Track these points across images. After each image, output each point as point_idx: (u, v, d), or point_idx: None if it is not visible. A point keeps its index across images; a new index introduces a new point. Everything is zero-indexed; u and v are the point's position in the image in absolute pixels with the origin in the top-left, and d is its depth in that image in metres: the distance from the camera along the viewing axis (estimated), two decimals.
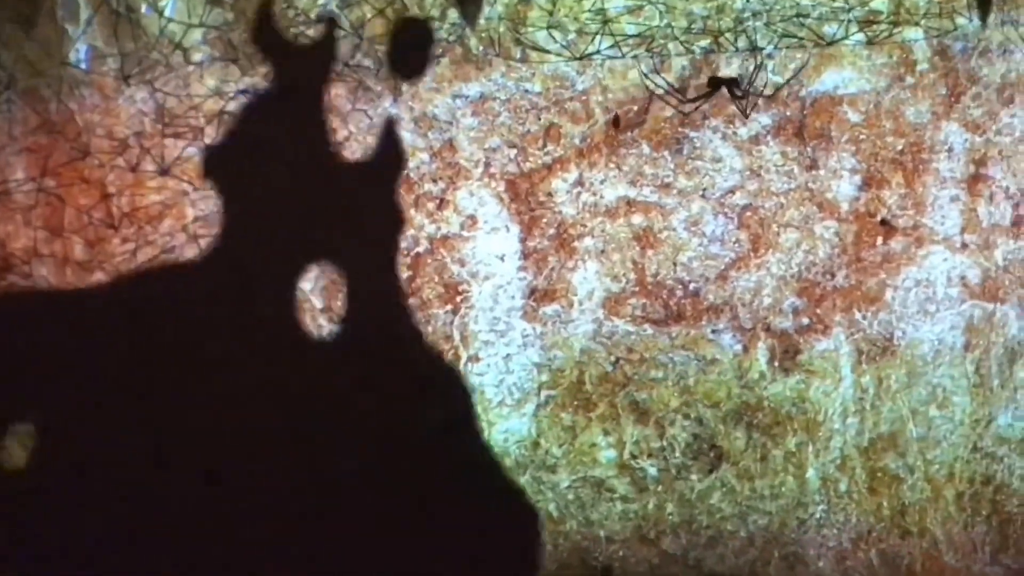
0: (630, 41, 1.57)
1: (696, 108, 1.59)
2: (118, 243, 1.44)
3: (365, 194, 1.51)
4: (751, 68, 1.59)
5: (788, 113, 1.63)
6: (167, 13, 1.41)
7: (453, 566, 1.59)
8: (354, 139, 1.50)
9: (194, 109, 1.44)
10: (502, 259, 1.57)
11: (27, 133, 1.41)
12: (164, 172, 1.44)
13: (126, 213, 1.43)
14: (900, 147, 1.68)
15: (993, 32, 1.68)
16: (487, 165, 1.55)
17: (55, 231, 1.42)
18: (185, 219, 1.46)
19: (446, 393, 1.58)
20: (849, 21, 1.63)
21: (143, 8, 1.41)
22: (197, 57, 1.44)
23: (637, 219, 1.61)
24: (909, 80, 1.67)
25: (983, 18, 1.68)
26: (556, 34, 1.54)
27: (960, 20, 1.67)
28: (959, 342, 1.74)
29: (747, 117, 1.60)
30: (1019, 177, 1.72)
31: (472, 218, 1.55)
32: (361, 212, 1.51)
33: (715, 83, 1.59)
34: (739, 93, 1.59)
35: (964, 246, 1.71)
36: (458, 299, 1.57)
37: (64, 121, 1.41)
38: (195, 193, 1.45)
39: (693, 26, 1.59)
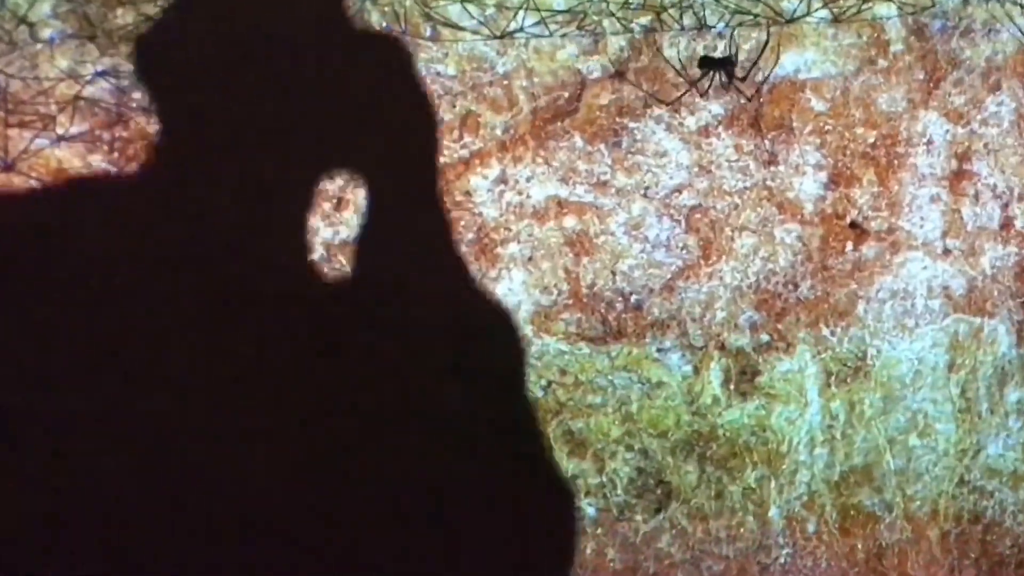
0: (559, 18, 1.36)
1: (704, 94, 1.39)
2: None
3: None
4: (731, 48, 1.39)
5: (742, 101, 1.43)
6: None
7: (480, 543, 1.42)
8: None
9: (43, 95, 1.24)
10: None
11: None
12: (8, 168, 1.24)
13: None
14: (872, 139, 1.47)
15: (976, 9, 1.48)
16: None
17: None
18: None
19: (496, 346, 1.40)
20: None
21: None
22: (46, 33, 1.23)
23: (570, 222, 1.40)
24: (882, 63, 1.47)
25: None
26: (472, 8, 1.34)
27: None
28: (942, 361, 1.53)
29: (751, 102, 1.42)
30: (1008, 173, 1.51)
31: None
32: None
33: (707, 63, 1.39)
34: (732, 75, 1.39)
35: (946, 252, 1.51)
36: None
37: None
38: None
39: (631, 1, 1.38)
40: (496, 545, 1.42)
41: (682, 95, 1.40)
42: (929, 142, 1.49)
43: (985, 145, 1.51)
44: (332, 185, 1.33)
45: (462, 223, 1.37)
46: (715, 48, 1.41)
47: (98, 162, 1.26)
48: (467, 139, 1.36)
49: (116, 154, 1.27)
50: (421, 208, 1.37)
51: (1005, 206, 1.52)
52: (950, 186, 1.50)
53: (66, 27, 1.24)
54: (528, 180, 1.38)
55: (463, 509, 1.41)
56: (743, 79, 1.41)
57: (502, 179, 1.38)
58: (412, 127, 1.35)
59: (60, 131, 1.25)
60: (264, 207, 1.32)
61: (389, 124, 1.35)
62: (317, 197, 1.33)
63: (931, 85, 1.49)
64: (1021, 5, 1.49)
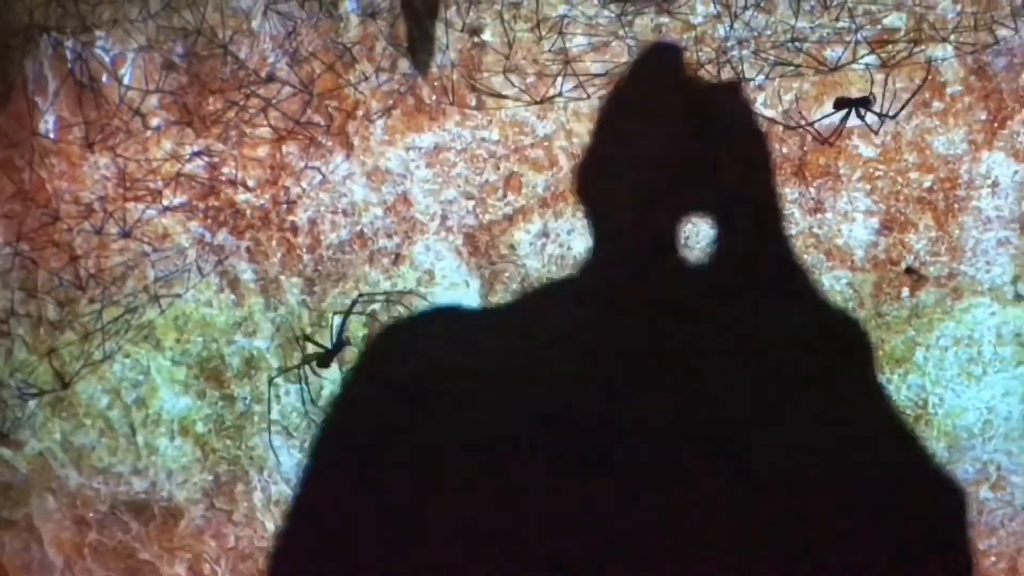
0: (596, 81, 1.45)
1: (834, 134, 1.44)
2: (85, 303, 1.50)
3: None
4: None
5: (784, 150, 1.44)
6: (126, 81, 1.46)
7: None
8: (307, 196, 1.47)
9: (152, 173, 1.47)
10: None
11: (3, 201, 1.50)
12: (126, 235, 1.48)
13: (92, 274, 1.49)
14: (928, 184, 1.44)
15: None
16: (444, 218, 1.48)
17: (30, 292, 1.50)
18: (146, 280, 1.49)
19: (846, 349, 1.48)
20: (857, 42, 1.42)
21: (104, 78, 1.46)
22: (155, 122, 1.47)
23: None
24: (937, 105, 1.43)
25: None
26: (514, 78, 1.45)
27: (1003, 32, 1.41)
28: (1017, 411, 1.46)
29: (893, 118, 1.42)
30: None
31: (429, 273, 1.48)
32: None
33: (842, 104, 1.43)
34: (869, 113, 1.42)
35: (1019, 298, 1.44)
36: None
37: (36, 188, 1.49)
38: (155, 254, 1.49)
39: None
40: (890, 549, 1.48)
41: (805, 128, 1.43)
42: (995, 184, 1.43)
43: None
44: None
45: (506, 274, 1.48)
46: (754, 100, 1.43)
47: (195, 227, 1.48)
48: (511, 197, 1.47)
49: (209, 220, 1.48)
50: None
51: None
52: (1021, 229, 1.44)
53: (169, 116, 1.47)
54: (569, 233, 1.47)
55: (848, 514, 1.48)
56: (894, 117, 1.42)
57: (544, 233, 1.47)
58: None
59: (165, 203, 1.48)
60: None
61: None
62: None
63: (996, 125, 1.43)
64: None
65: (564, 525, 1.47)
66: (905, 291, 1.46)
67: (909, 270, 1.46)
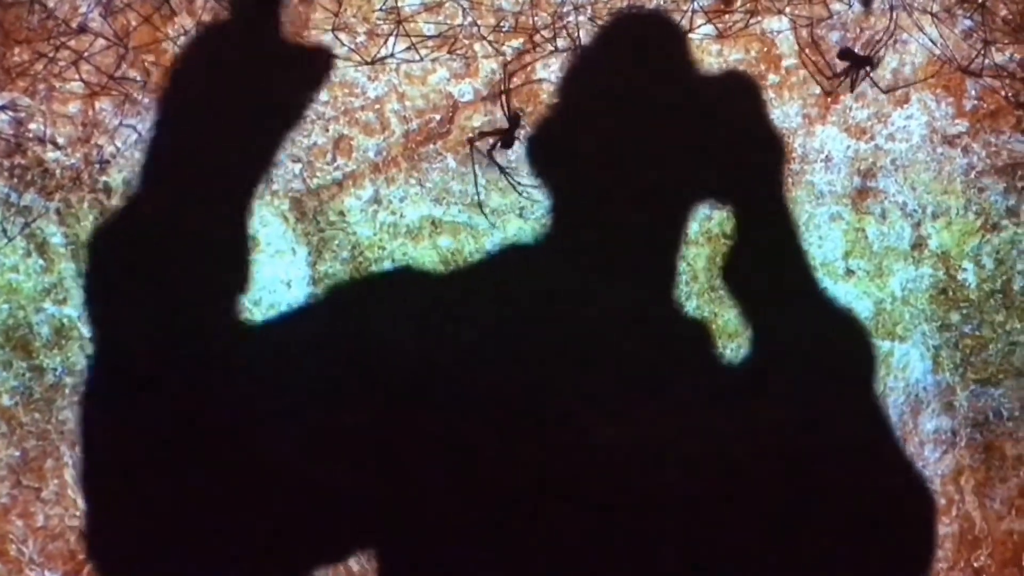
0: (429, 43, 1.40)
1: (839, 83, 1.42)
2: None
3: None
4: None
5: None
6: None
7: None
8: (121, 156, 1.39)
9: None
10: (288, 285, 1.42)
11: None
12: None
13: None
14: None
15: (879, 19, 1.41)
16: (269, 182, 1.41)
17: None
18: None
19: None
20: (694, 12, 1.40)
21: None
22: None
23: (445, 241, 1.43)
24: (773, 79, 1.42)
25: (866, 2, 1.42)
26: (343, 36, 1.39)
27: (837, 6, 1.41)
28: None
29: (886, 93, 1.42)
30: (919, 191, 1.44)
31: (253, 239, 1.41)
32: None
33: (846, 56, 1.41)
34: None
35: (850, 273, 1.45)
36: None
37: None
38: None
39: (503, 24, 1.40)
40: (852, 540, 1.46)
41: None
42: (828, 159, 1.43)
43: (892, 161, 1.44)
44: None
45: (336, 242, 1.42)
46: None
47: (0, 187, 1.39)
48: (340, 161, 1.41)
49: (16, 180, 1.39)
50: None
51: (917, 225, 1.44)
52: (853, 204, 1.44)
53: None
54: (401, 200, 1.42)
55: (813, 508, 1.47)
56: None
57: (375, 199, 1.42)
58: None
59: None
60: None
61: None
62: None
63: (829, 100, 1.43)
64: (932, 13, 1.41)
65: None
66: None
67: None
